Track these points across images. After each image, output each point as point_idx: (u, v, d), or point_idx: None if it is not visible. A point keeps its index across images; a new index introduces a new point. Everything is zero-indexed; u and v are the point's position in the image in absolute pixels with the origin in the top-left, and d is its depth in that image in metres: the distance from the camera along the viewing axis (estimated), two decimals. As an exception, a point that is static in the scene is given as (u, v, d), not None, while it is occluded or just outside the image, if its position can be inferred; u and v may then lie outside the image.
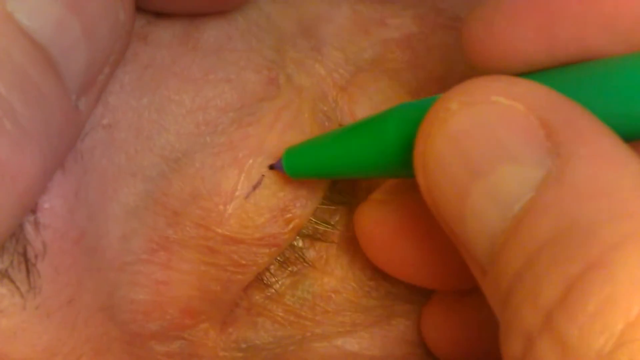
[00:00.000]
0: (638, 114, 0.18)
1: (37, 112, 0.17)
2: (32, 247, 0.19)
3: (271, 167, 0.22)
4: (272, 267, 0.24)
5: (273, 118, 0.22)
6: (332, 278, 0.25)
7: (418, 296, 0.25)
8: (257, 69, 0.22)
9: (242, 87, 0.22)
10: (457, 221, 0.18)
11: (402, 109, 0.20)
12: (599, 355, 0.15)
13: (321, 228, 0.24)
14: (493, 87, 0.17)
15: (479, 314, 0.23)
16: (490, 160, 0.17)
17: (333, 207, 0.25)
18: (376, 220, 0.23)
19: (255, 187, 0.22)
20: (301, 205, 0.23)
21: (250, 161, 0.22)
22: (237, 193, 0.22)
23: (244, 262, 0.23)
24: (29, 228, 0.19)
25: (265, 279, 0.24)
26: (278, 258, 0.24)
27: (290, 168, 0.22)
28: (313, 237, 0.25)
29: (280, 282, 0.25)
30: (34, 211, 0.19)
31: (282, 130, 0.22)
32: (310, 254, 0.25)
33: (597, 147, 0.16)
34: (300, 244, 0.25)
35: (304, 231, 0.24)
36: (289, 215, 0.23)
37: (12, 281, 0.19)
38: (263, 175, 0.22)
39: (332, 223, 0.25)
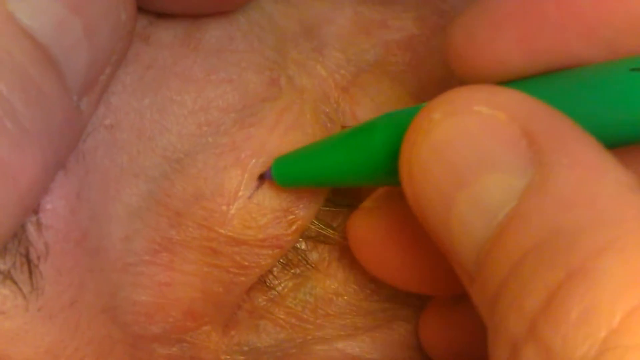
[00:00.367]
0: (620, 120, 0.18)
1: (38, 112, 0.17)
2: (34, 248, 0.19)
3: (261, 177, 0.22)
4: (275, 269, 0.24)
5: (275, 119, 0.22)
6: (334, 281, 0.25)
7: (419, 300, 0.25)
8: (259, 70, 0.22)
9: (244, 88, 0.22)
10: (444, 229, 0.18)
11: (389, 117, 0.20)
12: None
13: (323, 231, 0.24)
14: (475, 97, 0.18)
15: (474, 319, 0.23)
16: (473, 170, 0.17)
17: (336, 210, 0.25)
18: (367, 228, 0.23)
19: (258, 187, 0.22)
20: (304, 206, 0.23)
21: (253, 161, 0.22)
22: (240, 193, 0.22)
23: (246, 263, 0.23)
24: (31, 229, 0.19)
25: (268, 281, 0.24)
26: (281, 260, 0.24)
27: (280, 177, 0.22)
28: (316, 240, 0.25)
29: (282, 285, 0.25)
30: (36, 212, 0.19)
31: (284, 131, 0.22)
32: (313, 256, 0.25)
33: (578, 155, 0.16)
34: (304, 246, 0.25)
35: (306, 233, 0.24)
36: (291, 217, 0.23)
37: (15, 282, 0.19)
38: None
39: (335, 226, 0.25)
